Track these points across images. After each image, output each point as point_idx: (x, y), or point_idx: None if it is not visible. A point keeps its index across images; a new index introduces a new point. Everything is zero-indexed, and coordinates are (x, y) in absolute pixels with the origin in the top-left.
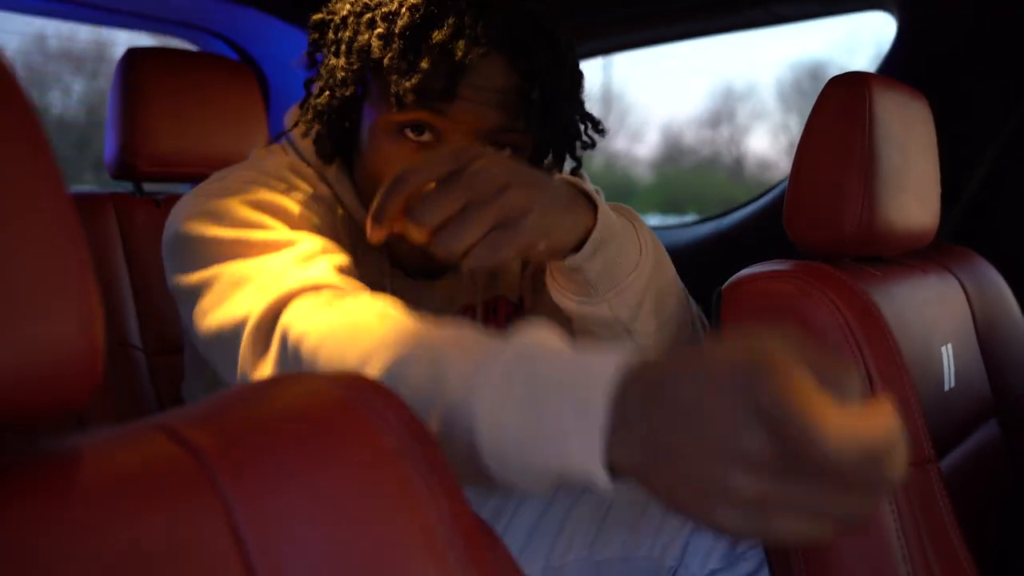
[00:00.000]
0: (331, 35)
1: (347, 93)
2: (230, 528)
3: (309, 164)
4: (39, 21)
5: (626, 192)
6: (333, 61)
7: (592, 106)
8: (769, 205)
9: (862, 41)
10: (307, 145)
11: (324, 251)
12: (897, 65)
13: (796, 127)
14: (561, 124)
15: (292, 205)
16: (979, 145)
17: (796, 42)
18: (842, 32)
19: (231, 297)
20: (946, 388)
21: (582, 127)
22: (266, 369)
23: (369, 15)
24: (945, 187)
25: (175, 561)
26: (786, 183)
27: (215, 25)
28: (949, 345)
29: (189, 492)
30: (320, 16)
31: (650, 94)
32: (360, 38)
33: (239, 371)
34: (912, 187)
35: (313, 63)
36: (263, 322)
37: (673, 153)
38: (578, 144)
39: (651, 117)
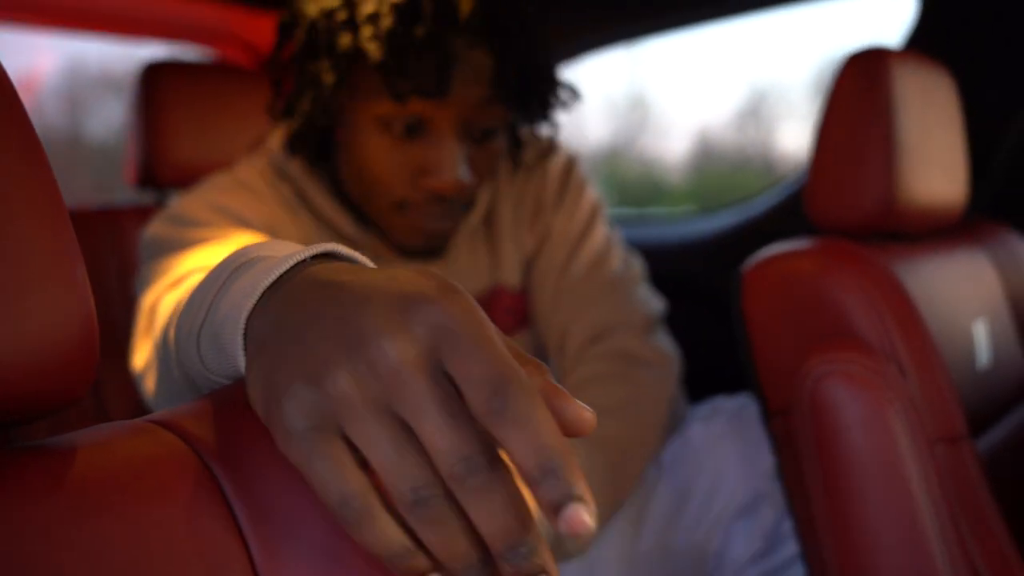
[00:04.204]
0: (302, 36)
1: (337, 95)
2: (233, 521)
3: (283, 171)
4: (78, 47)
5: (656, 194)
6: (313, 64)
7: (620, 109)
8: (795, 192)
9: (892, 38)
10: (278, 153)
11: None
12: (920, 38)
13: None
14: (536, 95)
15: (248, 209)
16: (1008, 115)
17: (825, 41)
18: (872, 29)
19: (151, 286)
20: (979, 366)
21: (556, 95)
22: (143, 348)
23: (344, 15)
24: (976, 160)
25: (179, 553)
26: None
27: (236, 33)
28: (980, 322)
29: (190, 484)
30: (287, 18)
31: (680, 95)
32: (341, 40)
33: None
34: (936, 161)
35: (281, 64)
36: (152, 303)
37: (704, 154)
38: (553, 110)
39: (682, 118)
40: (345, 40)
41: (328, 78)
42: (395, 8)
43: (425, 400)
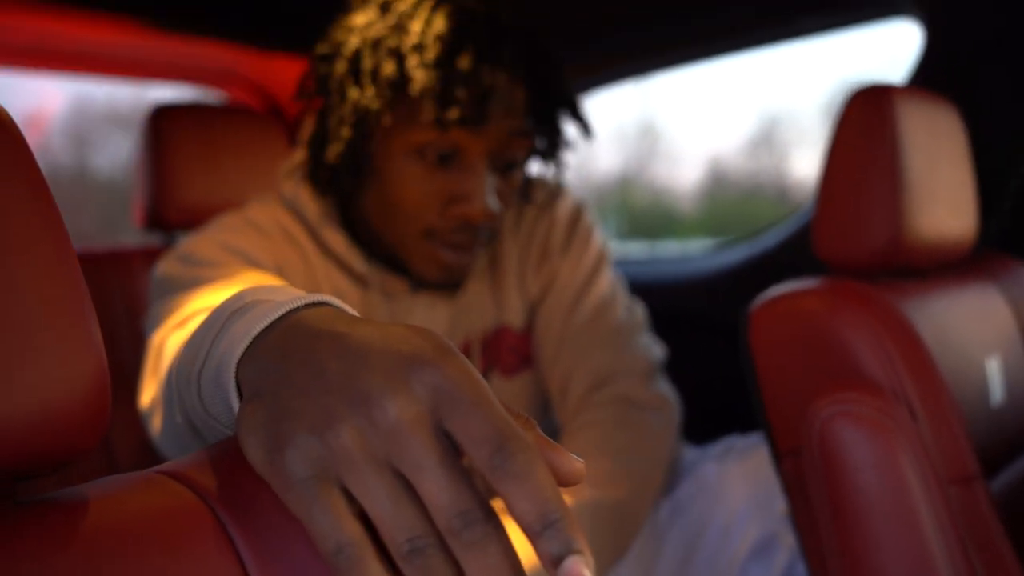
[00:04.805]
0: (342, 67)
1: (383, 122)
2: (242, 569)
3: (293, 208)
4: (84, 86)
5: (668, 223)
6: (355, 93)
7: (631, 137)
8: (805, 225)
9: (904, 62)
10: (289, 190)
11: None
12: (925, 73)
13: None
14: (561, 129)
15: (257, 249)
16: (1016, 148)
17: (837, 66)
18: (885, 53)
19: (160, 326)
20: (993, 403)
21: (569, 130)
22: (150, 387)
23: (389, 45)
24: (986, 194)
25: None
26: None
27: (245, 75)
28: (994, 358)
29: (200, 534)
30: (325, 50)
31: (692, 123)
32: (385, 68)
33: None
34: (943, 197)
35: (312, 95)
36: (160, 343)
37: (716, 181)
38: (566, 145)
39: (693, 146)
40: (389, 68)
41: (373, 104)
42: (439, 39)
43: (426, 457)
